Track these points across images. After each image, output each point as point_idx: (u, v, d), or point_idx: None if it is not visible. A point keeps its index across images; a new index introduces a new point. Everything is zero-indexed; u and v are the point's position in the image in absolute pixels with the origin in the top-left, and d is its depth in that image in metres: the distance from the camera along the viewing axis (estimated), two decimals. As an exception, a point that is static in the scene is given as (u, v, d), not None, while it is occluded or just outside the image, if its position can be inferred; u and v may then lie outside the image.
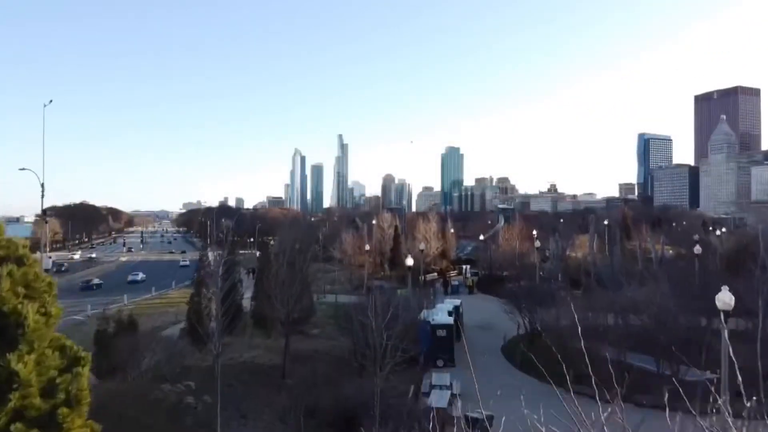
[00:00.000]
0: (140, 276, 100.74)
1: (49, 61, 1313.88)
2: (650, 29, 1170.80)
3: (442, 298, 55.75)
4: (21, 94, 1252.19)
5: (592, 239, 63.07)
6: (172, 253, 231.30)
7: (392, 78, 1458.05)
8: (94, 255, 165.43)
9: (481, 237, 69.95)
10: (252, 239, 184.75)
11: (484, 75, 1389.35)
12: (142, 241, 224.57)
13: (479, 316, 42.21)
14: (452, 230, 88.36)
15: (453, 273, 70.67)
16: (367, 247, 59.11)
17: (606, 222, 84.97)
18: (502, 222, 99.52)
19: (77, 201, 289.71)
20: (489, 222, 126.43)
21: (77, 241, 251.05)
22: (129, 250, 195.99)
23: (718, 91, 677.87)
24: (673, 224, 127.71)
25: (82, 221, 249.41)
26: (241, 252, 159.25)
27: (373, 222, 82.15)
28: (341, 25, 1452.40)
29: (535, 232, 78.27)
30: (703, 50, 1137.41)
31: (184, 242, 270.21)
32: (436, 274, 67.26)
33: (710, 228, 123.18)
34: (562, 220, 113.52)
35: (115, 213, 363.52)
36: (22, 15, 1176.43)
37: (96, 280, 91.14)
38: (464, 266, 71.52)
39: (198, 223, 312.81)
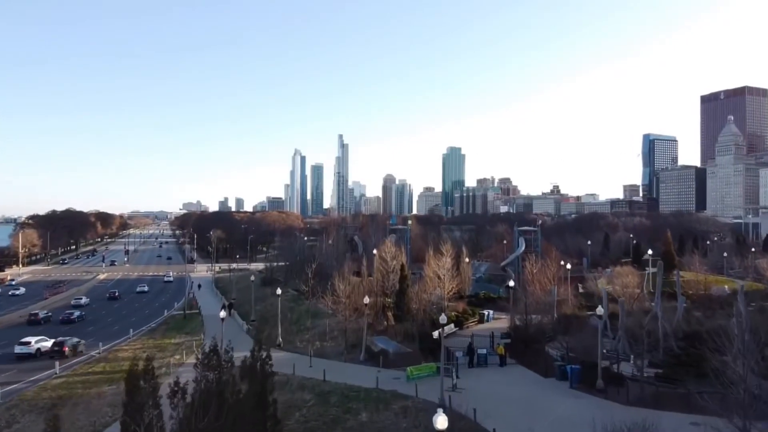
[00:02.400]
0: (146, 288, 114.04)
1: (50, 62, 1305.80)
2: (656, 28, 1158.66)
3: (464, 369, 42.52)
4: (19, 95, 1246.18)
5: (658, 289, 49.45)
6: (159, 257, 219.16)
7: (393, 78, 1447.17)
8: (17, 290, 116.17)
9: (510, 283, 56.44)
10: (239, 255, 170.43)
11: (486, 75, 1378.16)
12: (126, 252, 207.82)
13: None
14: (467, 259, 74.95)
15: (473, 321, 57.51)
16: (366, 300, 45.74)
17: (650, 252, 71.50)
18: (522, 247, 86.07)
19: (75, 205, 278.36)
20: (504, 242, 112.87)
21: (65, 251, 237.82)
22: (112, 263, 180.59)
23: (725, 91, 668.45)
24: (708, 242, 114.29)
25: (66, 230, 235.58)
26: (231, 267, 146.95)
27: (374, 252, 69.02)
28: (341, 25, 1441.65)
29: (566, 265, 65.15)
30: (710, 50, 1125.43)
31: (176, 250, 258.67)
32: (453, 324, 53.98)
33: (752, 250, 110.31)
34: (589, 243, 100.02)
35: (105, 218, 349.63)
36: (15, 16, 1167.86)
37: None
38: (486, 312, 58.30)
39: (190, 228, 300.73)
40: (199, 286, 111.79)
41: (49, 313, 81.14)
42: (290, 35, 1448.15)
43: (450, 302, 61.64)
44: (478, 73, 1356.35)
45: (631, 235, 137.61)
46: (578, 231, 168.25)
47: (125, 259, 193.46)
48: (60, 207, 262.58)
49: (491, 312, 59.88)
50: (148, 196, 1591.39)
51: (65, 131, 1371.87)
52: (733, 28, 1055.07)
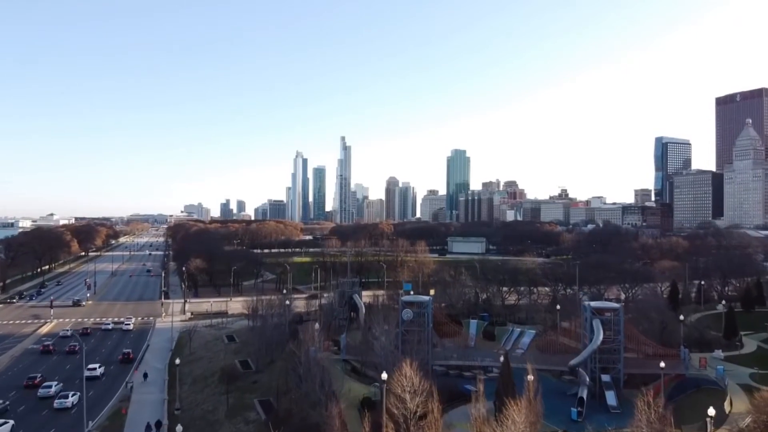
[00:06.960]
0: (111, 326, 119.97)
1: (52, 62, 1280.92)
2: (668, 27, 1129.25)
3: None
4: (19, 95, 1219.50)
5: None
6: (144, 265, 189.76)
7: (396, 79, 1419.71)
8: None
9: (583, 393, 29.93)
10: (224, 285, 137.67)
11: (490, 75, 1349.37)
12: (89, 287, 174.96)
13: None
14: (535, 386, 45.45)
15: None
16: None
17: None
18: (599, 337, 58.95)
19: (74, 206, 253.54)
20: (557, 307, 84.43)
21: (34, 274, 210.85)
22: (76, 303, 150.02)
23: (742, 93, 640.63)
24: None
25: (32, 255, 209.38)
26: (195, 324, 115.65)
27: (383, 378, 42.95)
28: (343, 26, 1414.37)
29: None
30: (725, 50, 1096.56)
31: (161, 266, 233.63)
32: None
33: None
34: (682, 317, 72.28)
35: (86, 232, 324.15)
36: (14, 15, 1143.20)
37: None
38: None
39: (179, 242, 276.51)
40: (145, 375, 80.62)
41: (55, 344, 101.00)
42: (292, 36, 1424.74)
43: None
44: (481, 73, 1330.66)
45: (702, 282, 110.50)
46: (611, 257, 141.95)
47: (87, 295, 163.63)
48: (60, 208, 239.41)
49: None
50: (150, 198, 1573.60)
51: (65, 132, 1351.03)
52: (748, 28, 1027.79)
